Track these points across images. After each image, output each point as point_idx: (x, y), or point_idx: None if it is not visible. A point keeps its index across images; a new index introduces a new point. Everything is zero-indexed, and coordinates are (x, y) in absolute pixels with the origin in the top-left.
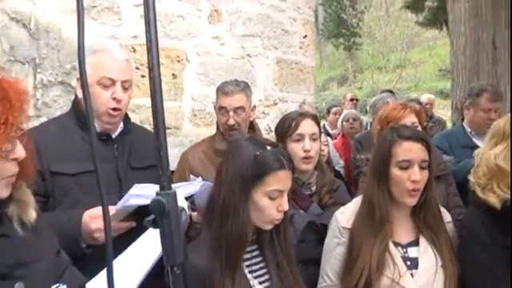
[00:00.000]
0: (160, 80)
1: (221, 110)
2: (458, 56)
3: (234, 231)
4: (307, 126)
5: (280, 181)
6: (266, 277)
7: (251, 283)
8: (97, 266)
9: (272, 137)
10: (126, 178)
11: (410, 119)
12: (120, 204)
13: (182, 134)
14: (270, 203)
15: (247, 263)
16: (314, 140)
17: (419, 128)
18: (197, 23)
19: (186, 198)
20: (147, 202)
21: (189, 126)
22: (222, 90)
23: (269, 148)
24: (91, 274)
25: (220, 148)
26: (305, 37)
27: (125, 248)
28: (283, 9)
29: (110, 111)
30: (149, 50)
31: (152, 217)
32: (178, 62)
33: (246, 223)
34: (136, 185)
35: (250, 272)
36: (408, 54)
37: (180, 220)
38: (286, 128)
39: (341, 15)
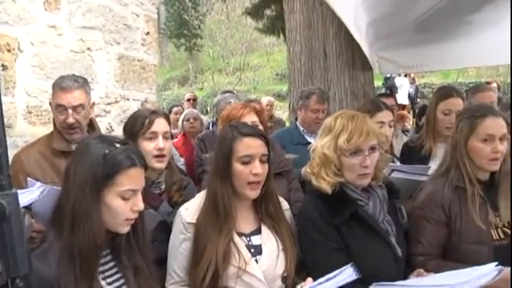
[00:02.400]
0: None
1: (58, 107)
2: (294, 62)
3: (87, 237)
4: (160, 125)
5: (132, 179)
6: (122, 281)
7: None
8: None
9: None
10: None
11: (251, 118)
12: None
13: (15, 134)
14: (123, 204)
15: (100, 269)
16: (166, 139)
17: (260, 127)
18: (30, 8)
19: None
20: None
21: (23, 125)
22: (60, 86)
23: (118, 146)
24: None
25: (58, 148)
26: (147, 33)
27: None
28: (126, 2)
29: None
30: None
31: None
32: (9, 51)
33: (100, 227)
34: None
35: (104, 279)
36: (247, 57)
37: (23, 225)
38: (138, 126)
39: (183, 16)
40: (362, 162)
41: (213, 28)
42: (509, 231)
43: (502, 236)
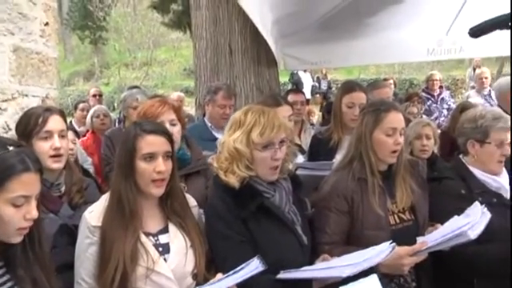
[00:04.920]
0: None
1: None
2: (200, 57)
3: None
4: (55, 123)
5: (25, 185)
6: None
7: None
8: None
9: (11, 136)
10: None
11: (169, 116)
12: None
13: None
14: (14, 212)
15: None
16: (63, 137)
17: (178, 125)
18: None
19: None
20: None
21: None
22: None
23: (11, 148)
24: None
25: None
26: (46, 24)
27: None
28: None
29: None
30: None
31: None
32: None
33: None
34: None
35: None
36: (154, 52)
37: None
38: (31, 125)
39: (87, 6)
40: (273, 155)
41: (119, 21)
42: (404, 216)
43: (397, 221)
